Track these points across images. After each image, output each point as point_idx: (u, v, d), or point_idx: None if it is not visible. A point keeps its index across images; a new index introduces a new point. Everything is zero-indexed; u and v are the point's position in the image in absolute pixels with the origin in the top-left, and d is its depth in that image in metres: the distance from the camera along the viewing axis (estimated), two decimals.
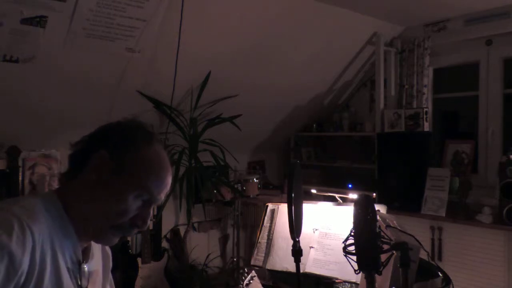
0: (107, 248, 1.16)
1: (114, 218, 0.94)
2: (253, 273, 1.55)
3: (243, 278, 1.54)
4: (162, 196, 1.01)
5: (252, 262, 1.70)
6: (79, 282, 0.96)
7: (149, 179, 0.96)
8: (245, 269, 1.56)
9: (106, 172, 0.94)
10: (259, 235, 1.76)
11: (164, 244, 3.72)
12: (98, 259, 1.09)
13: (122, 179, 0.94)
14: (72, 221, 0.94)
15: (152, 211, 3.62)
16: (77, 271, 0.96)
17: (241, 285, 1.52)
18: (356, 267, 1.09)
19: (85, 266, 0.99)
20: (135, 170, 0.95)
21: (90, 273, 1.01)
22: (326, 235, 1.63)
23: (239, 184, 3.84)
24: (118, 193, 0.94)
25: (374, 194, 3.41)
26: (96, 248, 1.08)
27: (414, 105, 3.65)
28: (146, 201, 0.98)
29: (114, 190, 0.94)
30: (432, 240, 3.13)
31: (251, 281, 1.53)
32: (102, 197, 0.94)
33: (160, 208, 3.51)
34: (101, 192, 0.94)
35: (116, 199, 0.94)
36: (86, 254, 1.02)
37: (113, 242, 0.99)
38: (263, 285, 1.56)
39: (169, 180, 1.01)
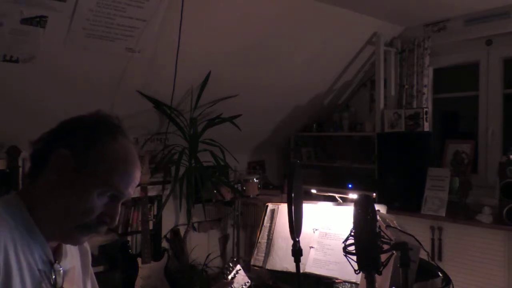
0: (85, 244, 1.13)
1: (80, 218, 0.92)
2: (238, 266, 1.55)
3: (228, 272, 1.53)
4: (131, 191, 0.97)
5: (252, 262, 1.70)
6: (52, 282, 0.94)
7: (113, 174, 0.93)
8: (230, 263, 1.56)
9: (68, 171, 0.91)
10: (259, 235, 1.76)
11: (164, 244, 3.72)
12: (73, 256, 1.06)
13: (84, 177, 0.91)
14: (38, 223, 0.92)
15: (152, 211, 3.61)
16: (50, 272, 0.94)
17: (225, 280, 1.52)
18: (356, 267, 1.09)
19: (59, 265, 0.96)
20: (98, 167, 0.92)
21: (65, 271, 0.99)
22: (326, 235, 1.63)
23: (239, 184, 3.84)
24: (81, 192, 0.91)
25: (374, 194, 3.41)
26: (71, 245, 1.06)
27: (414, 105, 3.65)
28: (113, 197, 0.95)
29: (76, 189, 0.91)
30: (432, 240, 3.13)
31: (236, 275, 1.53)
32: (65, 197, 0.91)
33: (160, 208, 3.51)
34: (64, 192, 0.91)
35: (80, 198, 0.91)
36: (58, 253, 0.99)
37: (81, 241, 0.97)
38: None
39: (137, 173, 0.98)
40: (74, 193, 0.91)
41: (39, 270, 0.91)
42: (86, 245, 1.14)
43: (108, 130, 0.96)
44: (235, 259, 3.81)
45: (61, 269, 0.97)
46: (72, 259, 1.05)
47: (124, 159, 0.95)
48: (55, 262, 0.96)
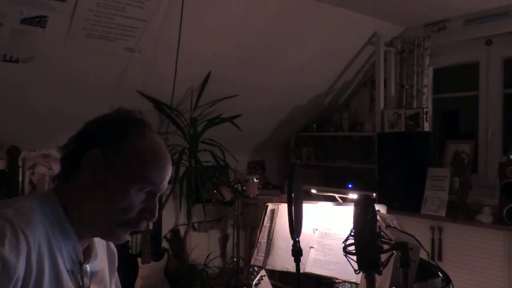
0: (113, 246, 1.14)
1: (120, 215, 0.93)
2: (263, 272, 1.53)
3: (252, 277, 1.52)
4: (165, 184, 0.98)
5: (252, 262, 1.70)
6: (81, 283, 0.94)
7: (148, 170, 0.94)
8: (255, 267, 1.54)
9: (101, 170, 0.92)
10: (259, 235, 1.76)
11: (164, 244, 3.72)
12: (102, 258, 1.07)
13: (119, 176, 0.92)
14: (72, 222, 0.92)
15: None
16: (78, 272, 0.94)
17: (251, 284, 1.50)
18: (356, 267, 1.09)
19: (87, 266, 0.97)
20: (132, 164, 0.93)
21: (93, 273, 0.99)
22: (326, 235, 1.63)
23: (239, 184, 3.83)
24: (119, 190, 0.92)
25: (374, 194, 3.41)
26: (100, 247, 1.06)
27: (414, 105, 3.65)
28: (150, 192, 0.96)
29: (114, 188, 0.92)
30: (432, 240, 3.13)
31: (260, 281, 1.51)
32: (104, 197, 0.92)
33: (160, 208, 3.51)
34: (101, 192, 0.92)
35: (118, 197, 0.92)
36: (87, 254, 1.00)
37: (124, 239, 0.98)
38: (273, 285, 1.53)
39: (169, 167, 0.99)
40: (113, 192, 0.92)
41: (67, 270, 0.91)
42: (114, 248, 1.14)
43: (136, 126, 0.97)
44: (235, 259, 3.81)
45: (89, 269, 0.97)
46: (102, 261, 1.06)
47: (155, 154, 0.97)
48: (84, 262, 0.96)
